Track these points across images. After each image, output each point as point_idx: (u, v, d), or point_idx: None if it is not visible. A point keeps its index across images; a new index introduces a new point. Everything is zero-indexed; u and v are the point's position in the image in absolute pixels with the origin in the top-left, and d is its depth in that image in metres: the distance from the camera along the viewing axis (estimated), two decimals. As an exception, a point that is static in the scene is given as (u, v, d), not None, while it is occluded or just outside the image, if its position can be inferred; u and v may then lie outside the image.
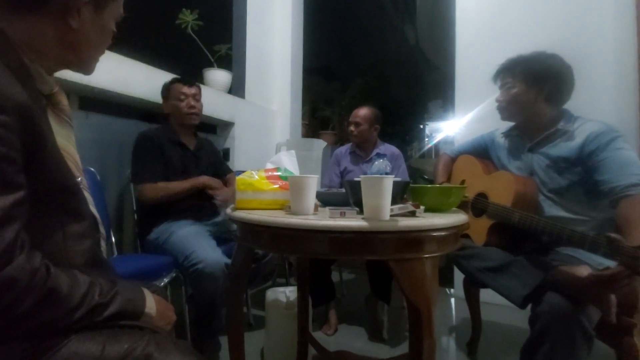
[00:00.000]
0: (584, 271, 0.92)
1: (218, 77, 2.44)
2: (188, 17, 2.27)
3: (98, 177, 1.51)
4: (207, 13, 2.39)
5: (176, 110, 1.66)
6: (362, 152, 2.07)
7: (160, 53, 2.27)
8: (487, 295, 1.40)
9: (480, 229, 1.24)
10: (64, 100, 0.65)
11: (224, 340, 1.46)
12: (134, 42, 1.73)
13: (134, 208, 1.69)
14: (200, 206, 1.65)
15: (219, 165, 1.88)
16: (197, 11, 2.30)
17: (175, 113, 1.67)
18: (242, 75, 2.74)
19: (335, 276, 2.09)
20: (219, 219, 1.70)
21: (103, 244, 0.71)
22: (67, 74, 0.69)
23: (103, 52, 0.69)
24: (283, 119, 3.03)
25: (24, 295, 0.47)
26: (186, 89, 1.67)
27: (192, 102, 1.68)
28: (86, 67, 0.67)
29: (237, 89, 2.67)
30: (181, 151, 1.66)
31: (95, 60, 0.68)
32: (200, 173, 1.68)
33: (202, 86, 2.26)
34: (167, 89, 1.69)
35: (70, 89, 1.55)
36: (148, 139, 1.57)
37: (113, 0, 0.64)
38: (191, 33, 2.29)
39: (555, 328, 0.90)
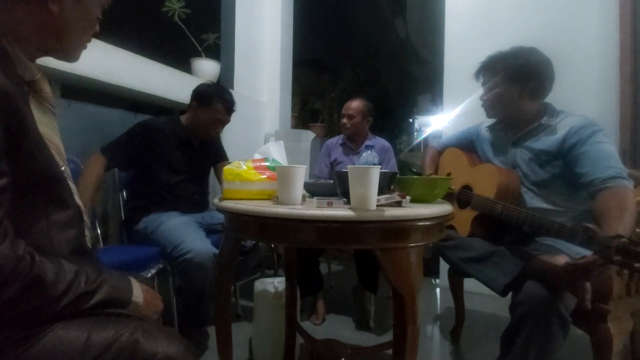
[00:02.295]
0: (561, 260, 0.96)
1: (206, 67, 2.40)
2: (175, 5, 2.22)
3: (81, 167, 1.48)
4: (194, 1, 2.34)
5: (204, 125, 1.62)
6: (353, 144, 2.08)
7: (146, 41, 2.21)
8: (470, 285, 1.44)
9: (465, 220, 1.27)
10: (46, 88, 0.63)
11: (211, 331, 1.46)
12: (119, 29, 1.68)
13: (120, 199, 1.67)
14: (190, 198, 1.65)
15: (219, 152, 1.86)
16: (183, -1, 2.25)
17: (201, 125, 1.62)
18: (230, 65, 2.69)
19: (323, 268, 2.11)
20: (207, 211, 1.70)
21: (88, 233, 0.70)
22: (49, 61, 0.67)
23: (89, 40, 0.67)
24: (272, 110, 3.01)
25: (8, 282, 0.47)
26: (223, 116, 1.63)
27: (220, 128, 1.67)
28: (70, 54, 0.65)
29: (225, 79, 2.64)
30: (184, 147, 1.63)
31: (80, 47, 0.66)
32: (197, 170, 1.68)
33: (189, 76, 2.24)
34: (208, 101, 1.60)
35: (52, 76, 1.50)
36: (143, 129, 1.54)
37: None
38: (178, 21, 2.24)
39: (533, 315, 0.93)
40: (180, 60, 2.41)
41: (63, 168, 0.62)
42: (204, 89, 1.64)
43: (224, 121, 1.66)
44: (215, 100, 1.60)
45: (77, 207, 0.64)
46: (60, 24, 0.60)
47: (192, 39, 2.35)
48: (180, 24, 2.25)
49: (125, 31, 1.97)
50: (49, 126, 0.62)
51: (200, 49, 2.38)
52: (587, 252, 0.96)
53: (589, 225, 0.87)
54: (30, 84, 0.59)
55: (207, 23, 2.56)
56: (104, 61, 1.65)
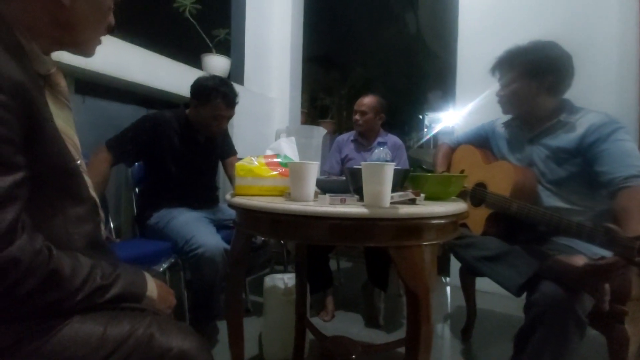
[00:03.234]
0: (579, 261, 0.93)
1: (217, 63, 2.40)
2: (186, 1, 2.22)
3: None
4: (206, -5, 2.34)
5: (205, 123, 1.57)
6: (365, 141, 2.06)
7: (157, 37, 2.22)
8: (482, 283, 1.42)
9: (479, 218, 1.24)
10: (62, 82, 0.63)
11: (221, 325, 1.48)
12: (131, 25, 1.68)
13: (132, 194, 1.69)
14: (199, 194, 1.66)
15: (226, 147, 1.83)
16: (195, -6, 2.25)
17: (203, 122, 1.57)
18: (240, 61, 2.69)
19: (333, 264, 2.10)
20: (217, 206, 1.71)
21: (103, 227, 0.71)
22: (64, 57, 0.67)
23: (103, 34, 0.67)
24: (282, 106, 3.00)
25: (27, 275, 0.47)
26: (225, 112, 1.56)
27: (224, 124, 1.61)
28: (84, 48, 0.65)
29: (235, 75, 2.64)
30: (191, 142, 1.61)
31: (94, 41, 0.66)
32: (205, 165, 1.67)
33: (199, 72, 2.24)
34: (206, 98, 1.53)
35: (66, 71, 1.52)
36: (150, 122, 1.53)
37: None
38: (189, 17, 2.24)
39: (549, 316, 0.92)
40: (191, 55, 2.42)
41: (79, 162, 0.62)
42: (201, 85, 1.55)
43: (227, 115, 1.59)
44: (214, 96, 1.52)
45: (92, 200, 0.65)
46: (72, 16, 0.59)
47: (203, 34, 2.35)
48: (192, 19, 2.25)
49: (137, 27, 1.98)
50: (65, 120, 0.63)
51: (210, 45, 2.38)
52: (603, 252, 0.94)
53: (610, 225, 0.85)
54: (45, 78, 0.60)
55: (217, 19, 2.56)
56: (117, 57, 1.66)
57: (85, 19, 0.61)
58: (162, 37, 2.31)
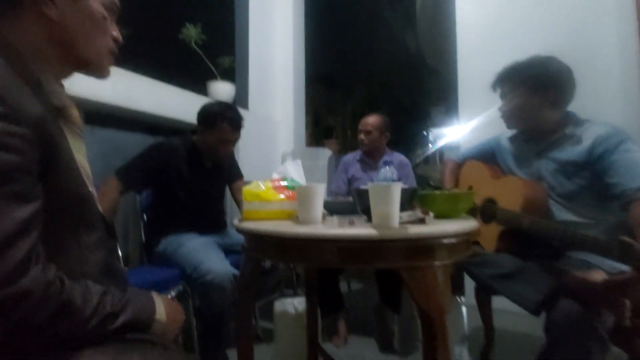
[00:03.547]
0: (597, 276, 0.90)
1: (222, 89, 2.46)
2: (192, 32, 2.31)
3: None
4: (210, 27, 2.43)
5: (212, 148, 1.60)
6: (371, 160, 2.06)
7: (164, 67, 2.30)
8: (499, 302, 1.38)
9: (490, 235, 1.22)
10: (75, 113, 0.65)
11: (232, 354, 1.44)
12: (139, 56, 1.75)
13: (140, 221, 1.70)
14: (207, 219, 1.66)
15: (233, 171, 1.84)
16: (200, 25, 2.34)
17: (210, 147, 1.61)
18: (245, 86, 2.76)
19: (343, 286, 2.06)
20: (225, 231, 1.70)
21: (119, 250, 0.71)
22: (73, 88, 0.68)
23: (110, 46, 0.65)
24: (287, 128, 3.04)
25: (39, 307, 0.47)
26: (230, 135, 1.60)
27: (231, 147, 1.64)
28: (94, 66, 0.63)
29: (240, 100, 2.70)
30: (198, 168, 1.63)
31: (102, 56, 0.64)
32: (213, 190, 1.69)
33: (205, 98, 2.29)
34: (212, 123, 1.57)
35: (76, 103, 1.57)
36: (158, 150, 1.56)
37: None
38: (195, 47, 2.32)
39: (570, 335, 0.88)
40: (197, 83, 2.49)
41: (91, 190, 0.63)
42: (207, 110, 1.60)
43: (232, 139, 1.62)
44: (220, 120, 1.56)
45: (105, 226, 0.65)
46: (67, 31, 0.57)
47: (208, 62, 2.43)
48: (197, 49, 2.33)
49: (145, 58, 2.05)
50: (78, 150, 0.64)
51: (215, 72, 2.45)
52: (622, 267, 0.91)
53: (626, 238, 0.82)
54: (60, 108, 0.61)
55: (222, 47, 2.65)
56: (124, 88, 1.71)
57: (80, 32, 0.59)
58: (169, 67, 2.39)
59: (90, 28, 0.60)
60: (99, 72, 0.65)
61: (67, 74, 0.64)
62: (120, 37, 0.67)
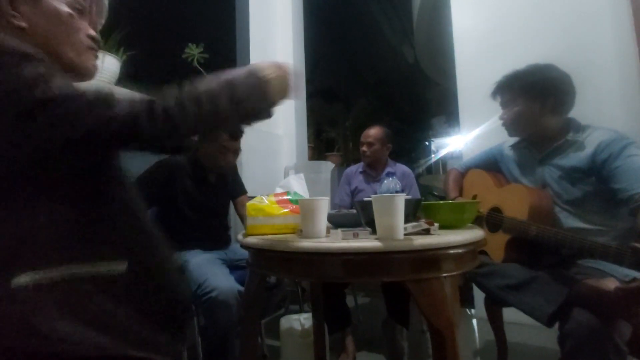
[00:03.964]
0: (610, 284, 0.88)
1: (224, 106, 2.49)
2: (194, 51, 2.35)
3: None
4: (212, 45, 2.48)
5: (213, 159, 1.61)
6: (373, 172, 2.06)
7: (167, 85, 2.35)
8: (511, 314, 1.34)
9: (497, 244, 1.20)
10: None
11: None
12: (144, 77, 1.78)
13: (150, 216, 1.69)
14: (211, 235, 1.65)
15: (237, 186, 1.85)
16: (202, 45, 2.39)
17: (210, 159, 1.61)
18: (247, 102, 2.79)
19: (349, 300, 2.03)
20: (230, 247, 1.69)
21: None
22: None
23: (82, 42, 0.64)
24: (289, 142, 3.06)
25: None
26: (229, 143, 1.60)
27: (231, 158, 1.64)
28: (78, 68, 0.63)
29: (243, 116, 2.72)
30: (202, 183, 1.63)
31: (82, 58, 0.63)
32: (217, 206, 1.68)
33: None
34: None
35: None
36: (163, 167, 1.56)
37: None
38: (197, 66, 2.37)
39: (586, 347, 0.85)
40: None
41: None
42: None
43: (230, 148, 1.61)
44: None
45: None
46: (38, 36, 0.58)
47: (211, 80, 2.46)
48: (199, 68, 2.37)
49: (149, 78, 2.09)
50: None
51: (218, 89, 2.48)
52: (634, 273, 0.89)
53: (637, 245, 0.81)
54: None
55: (224, 65, 2.68)
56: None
57: (51, 33, 0.59)
58: (172, 85, 2.43)
59: (59, 27, 0.60)
60: (85, 70, 0.64)
61: None
62: (95, 34, 0.66)
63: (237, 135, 1.63)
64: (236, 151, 1.65)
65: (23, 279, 0.48)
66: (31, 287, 0.48)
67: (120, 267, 0.55)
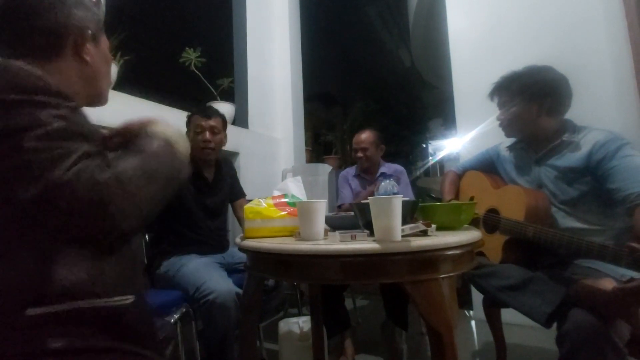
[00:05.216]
0: (608, 284, 0.88)
1: (222, 109, 2.47)
2: (191, 55, 2.36)
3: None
4: (209, 49, 2.49)
5: (193, 143, 1.60)
6: (368, 175, 2.08)
7: (166, 90, 2.35)
8: (509, 315, 1.35)
9: (495, 245, 1.21)
10: None
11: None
12: (141, 81, 1.78)
13: (142, 245, 1.68)
14: (210, 238, 1.65)
15: (235, 189, 1.85)
16: (199, 49, 2.40)
17: (193, 146, 1.63)
18: (244, 106, 2.80)
19: (348, 302, 2.02)
20: (228, 250, 1.69)
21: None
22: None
23: (111, 81, 0.76)
24: (287, 146, 3.07)
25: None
26: (203, 122, 1.61)
27: (208, 136, 1.62)
28: (102, 98, 0.74)
29: (240, 119, 2.73)
30: (198, 184, 1.63)
31: (108, 89, 0.75)
32: (215, 208, 1.68)
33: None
34: (187, 121, 1.68)
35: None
36: None
37: (102, 33, 0.72)
38: (194, 70, 2.37)
39: (585, 347, 0.85)
40: (198, 104, 2.53)
41: None
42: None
43: (206, 126, 1.61)
44: (191, 115, 1.66)
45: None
46: (93, 71, 0.68)
47: (208, 84, 2.47)
48: (197, 72, 2.38)
49: (146, 82, 2.10)
50: None
51: (215, 93, 2.49)
52: (632, 273, 0.89)
53: (634, 244, 0.81)
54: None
55: (221, 69, 2.70)
56: (126, 112, 1.72)
57: (101, 71, 0.70)
58: (170, 89, 2.44)
59: (106, 67, 0.73)
60: (103, 102, 0.75)
61: (81, 107, 0.69)
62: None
63: (208, 113, 1.65)
64: (213, 129, 1.63)
65: (39, 310, 0.50)
66: (44, 316, 0.50)
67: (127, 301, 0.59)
